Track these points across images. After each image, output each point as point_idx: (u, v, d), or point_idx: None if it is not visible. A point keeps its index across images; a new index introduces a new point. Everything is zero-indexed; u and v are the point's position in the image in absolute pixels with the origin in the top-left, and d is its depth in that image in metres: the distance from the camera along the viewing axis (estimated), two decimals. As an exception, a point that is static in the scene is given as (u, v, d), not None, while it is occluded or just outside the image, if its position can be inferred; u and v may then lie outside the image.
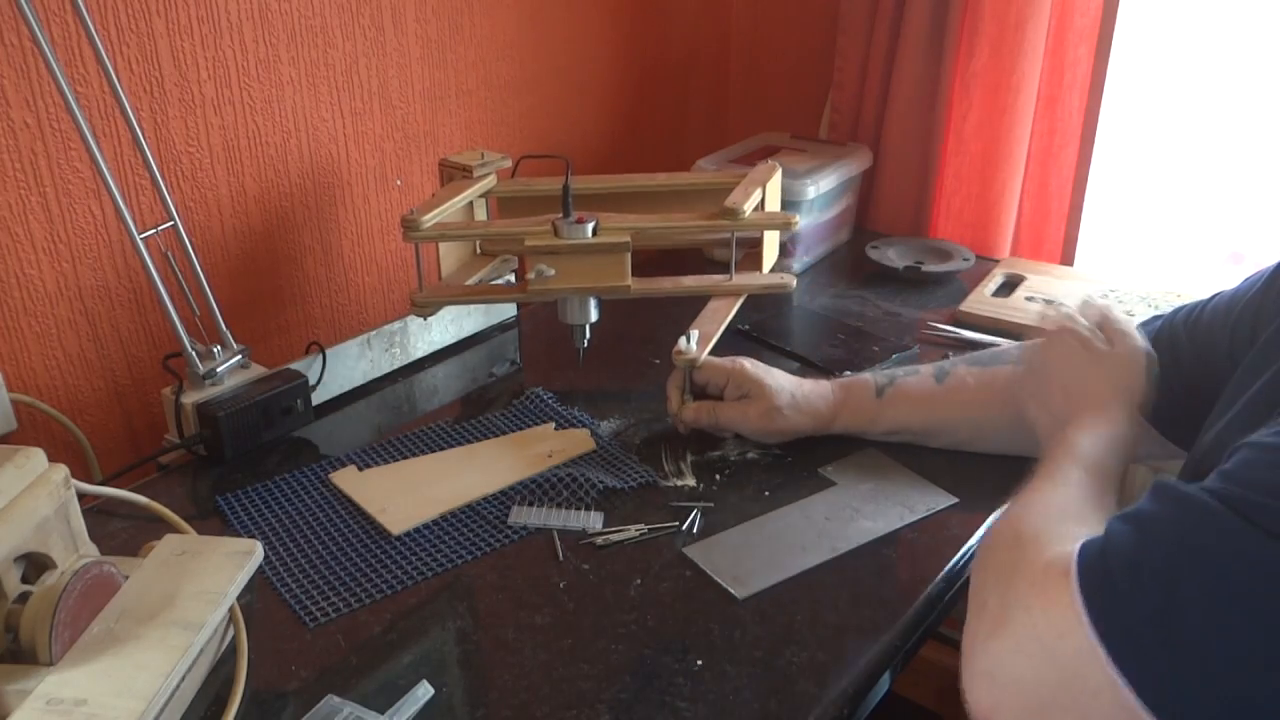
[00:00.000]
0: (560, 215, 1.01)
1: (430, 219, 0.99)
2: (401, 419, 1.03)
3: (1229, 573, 0.47)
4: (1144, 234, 1.41)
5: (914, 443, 0.95)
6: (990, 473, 0.91)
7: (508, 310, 1.23)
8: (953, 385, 0.92)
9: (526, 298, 1.00)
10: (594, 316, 1.03)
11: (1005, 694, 0.53)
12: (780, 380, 0.94)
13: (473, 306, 1.17)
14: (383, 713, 0.66)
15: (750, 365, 0.95)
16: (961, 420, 0.92)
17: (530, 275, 0.97)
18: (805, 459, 0.94)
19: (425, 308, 1.05)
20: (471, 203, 1.11)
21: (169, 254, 0.93)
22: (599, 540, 0.83)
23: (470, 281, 1.13)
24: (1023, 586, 0.55)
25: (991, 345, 1.12)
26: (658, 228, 1.03)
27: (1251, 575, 0.46)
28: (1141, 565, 0.50)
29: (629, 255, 0.99)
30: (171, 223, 0.90)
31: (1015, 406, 0.86)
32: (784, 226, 1.04)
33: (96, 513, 0.85)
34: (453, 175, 1.11)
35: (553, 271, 0.97)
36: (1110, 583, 0.51)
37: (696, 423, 0.96)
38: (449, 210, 1.03)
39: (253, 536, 0.83)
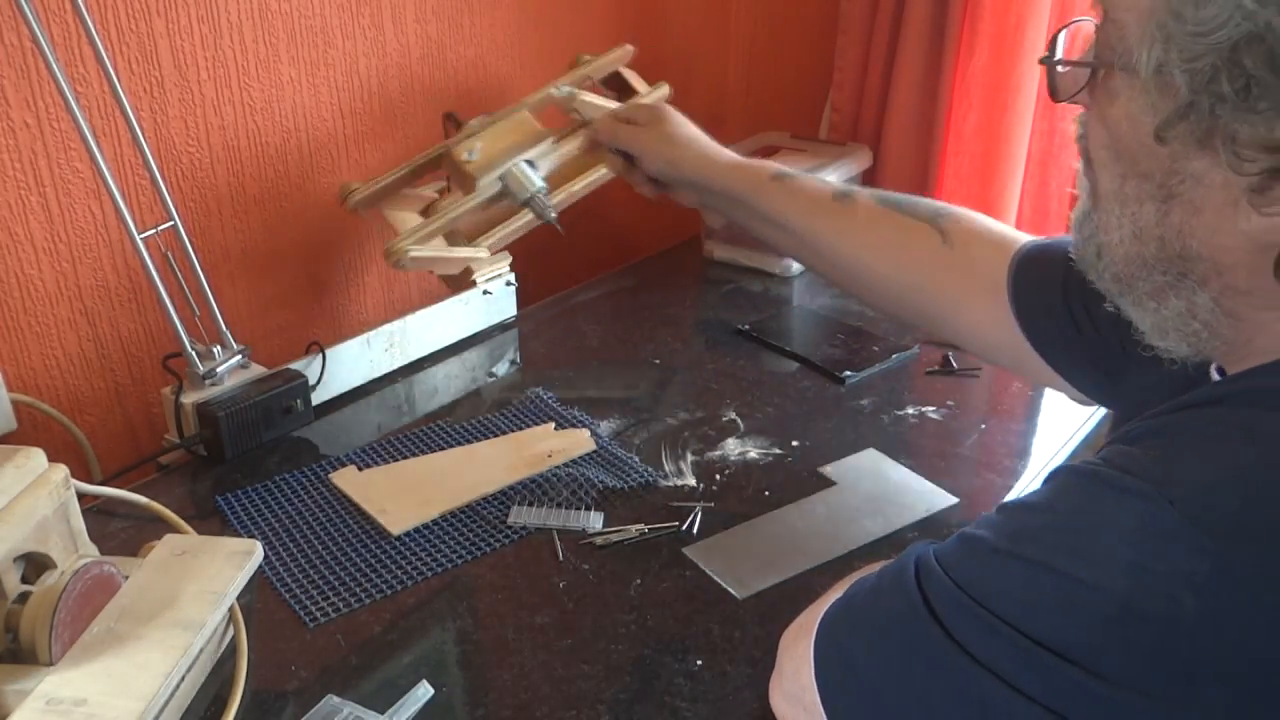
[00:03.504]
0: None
1: (362, 186, 1.08)
2: (401, 419, 1.03)
3: (932, 694, 0.47)
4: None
5: (793, 254, 0.93)
6: (991, 473, 0.91)
7: (508, 310, 1.23)
8: (846, 207, 0.86)
9: (481, 192, 1.07)
10: (539, 182, 1.08)
11: None
12: (682, 119, 1.00)
13: (473, 307, 1.18)
14: (383, 713, 0.66)
15: (670, 108, 1.01)
16: (832, 244, 0.86)
17: (464, 157, 1.05)
18: (805, 459, 0.94)
19: (400, 251, 1.03)
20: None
21: (169, 254, 0.93)
22: (599, 540, 0.83)
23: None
24: (790, 635, 0.57)
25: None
26: (520, 107, 1.12)
27: (944, 689, 0.46)
28: (853, 654, 0.51)
29: (527, 113, 1.10)
30: (171, 223, 0.90)
31: (891, 258, 0.83)
32: (621, 57, 1.19)
33: (96, 513, 0.85)
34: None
35: (479, 144, 1.06)
36: (831, 654, 0.52)
37: (606, 130, 1.02)
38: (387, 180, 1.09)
39: (253, 536, 0.83)
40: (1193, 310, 0.49)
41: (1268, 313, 0.47)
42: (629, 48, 1.22)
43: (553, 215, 1.10)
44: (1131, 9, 0.46)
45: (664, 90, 1.21)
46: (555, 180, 1.13)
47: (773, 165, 0.92)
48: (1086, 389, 0.74)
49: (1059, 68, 0.53)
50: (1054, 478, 0.47)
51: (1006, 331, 0.76)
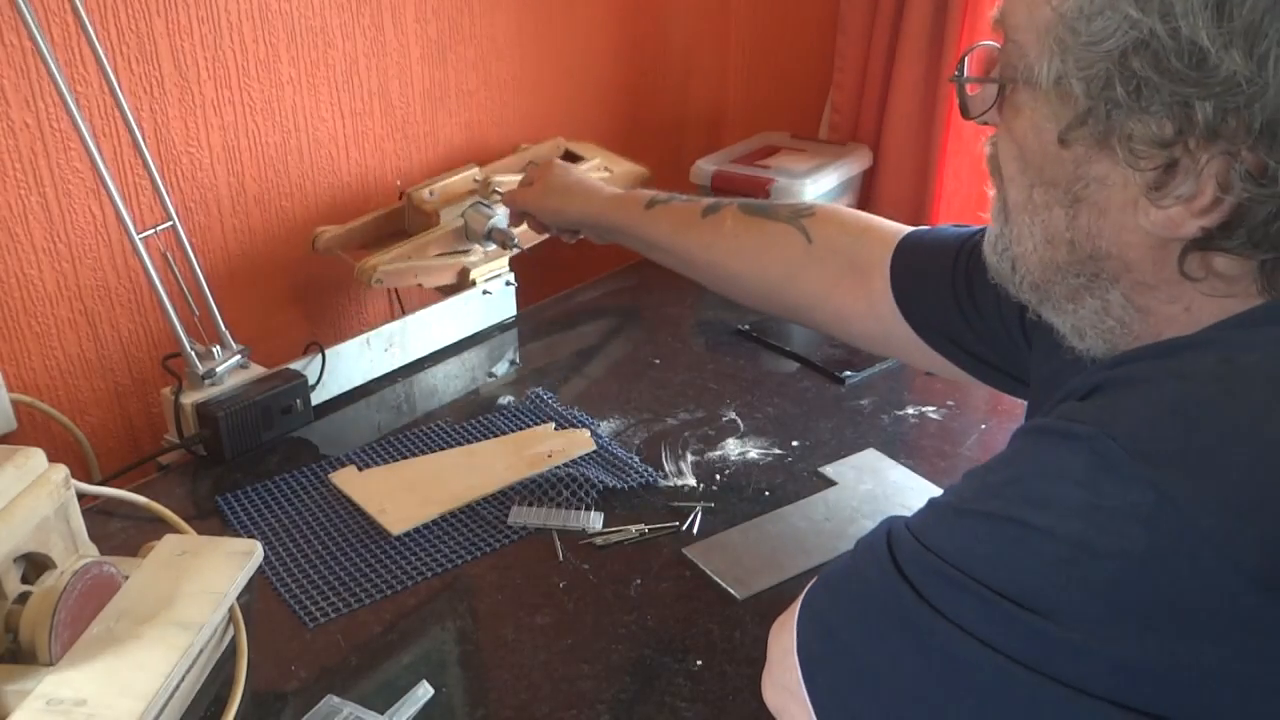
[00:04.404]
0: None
1: (327, 234, 1.12)
2: (401, 419, 1.03)
3: (903, 653, 0.47)
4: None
5: (678, 270, 0.97)
6: (990, 473, 0.91)
7: (508, 310, 1.23)
8: (712, 221, 0.92)
9: (445, 224, 1.15)
10: (498, 214, 1.15)
11: None
12: (569, 173, 1.07)
13: (473, 307, 1.18)
14: (383, 713, 0.66)
15: (556, 162, 1.09)
16: (703, 256, 0.92)
17: (426, 196, 1.14)
18: (805, 459, 0.94)
19: (370, 269, 1.08)
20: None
21: (168, 254, 0.93)
22: (599, 540, 0.83)
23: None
24: (777, 625, 0.57)
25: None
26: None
27: (915, 646, 0.46)
28: (831, 623, 0.52)
29: (476, 170, 1.19)
30: (170, 223, 0.90)
31: (755, 260, 0.88)
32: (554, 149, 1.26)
33: (96, 513, 0.85)
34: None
35: (436, 187, 1.15)
36: (811, 628, 0.52)
37: (508, 199, 1.11)
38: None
39: (253, 536, 0.83)
40: (1107, 308, 0.53)
41: (1173, 305, 0.50)
42: (560, 140, 1.31)
43: (516, 241, 1.16)
44: (1030, 29, 0.50)
45: (597, 160, 1.29)
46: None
47: (647, 194, 0.99)
48: (979, 374, 0.78)
49: (968, 88, 0.57)
50: (1013, 440, 0.50)
51: (884, 320, 0.80)
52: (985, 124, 0.56)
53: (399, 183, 1.20)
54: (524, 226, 1.14)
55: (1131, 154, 0.46)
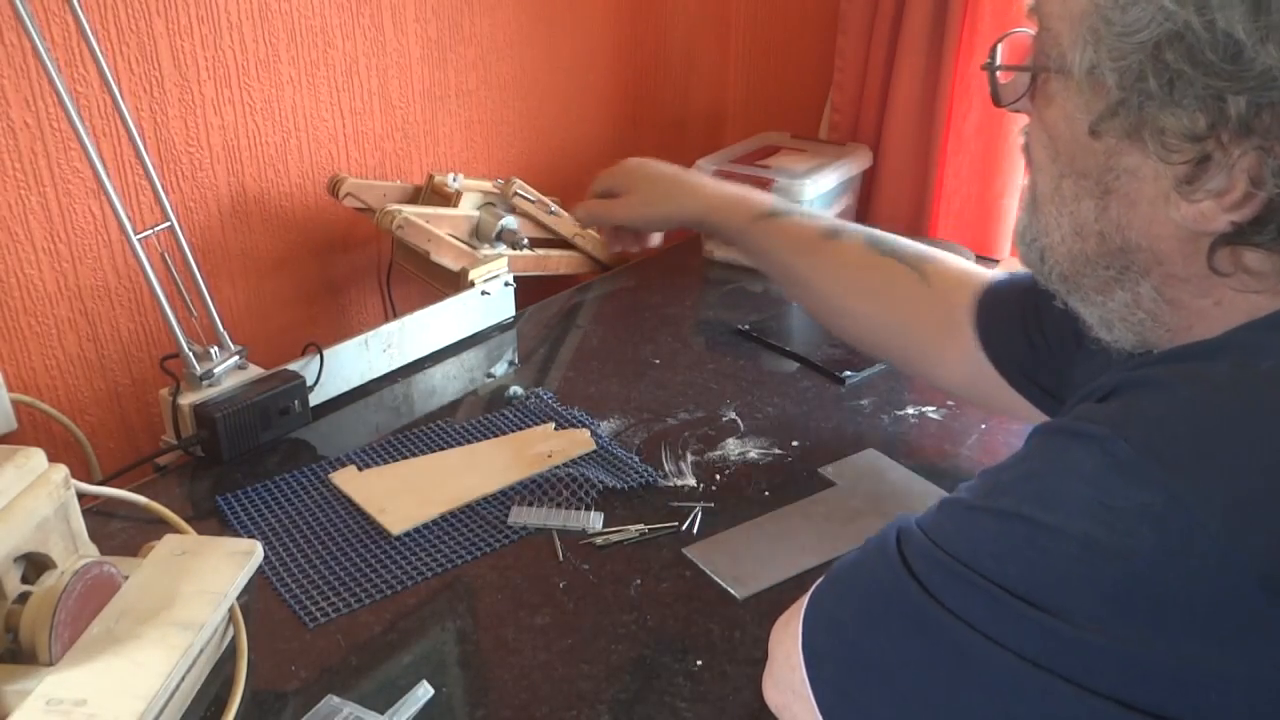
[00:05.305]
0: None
1: (351, 180, 1.14)
2: (400, 419, 1.03)
3: (909, 649, 0.47)
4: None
5: (781, 285, 0.93)
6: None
7: (506, 310, 1.23)
8: (834, 247, 0.87)
9: (464, 207, 1.19)
10: (510, 218, 1.21)
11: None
12: (661, 169, 1.01)
13: (471, 308, 1.18)
14: (383, 713, 0.66)
15: (634, 162, 1.03)
16: (818, 284, 0.88)
17: (450, 180, 1.18)
18: (805, 459, 0.94)
19: (394, 213, 1.10)
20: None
21: (165, 255, 0.92)
22: (599, 540, 0.83)
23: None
24: (778, 625, 0.57)
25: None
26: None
27: (923, 643, 0.47)
28: (838, 619, 0.52)
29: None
30: (168, 223, 0.90)
31: (875, 299, 0.85)
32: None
33: (96, 513, 0.85)
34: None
35: (460, 175, 1.20)
36: (818, 624, 0.53)
37: (592, 218, 1.07)
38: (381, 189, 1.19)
39: (252, 536, 0.83)
40: (1137, 300, 0.53)
41: (1204, 299, 0.50)
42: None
43: (525, 242, 1.20)
44: (1064, 17, 0.49)
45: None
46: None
47: (758, 203, 0.93)
48: (1050, 411, 0.76)
49: (1000, 75, 0.57)
50: (1028, 439, 0.50)
51: (977, 365, 0.79)
52: (1017, 111, 0.56)
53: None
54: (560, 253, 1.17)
55: (1163, 147, 0.46)
